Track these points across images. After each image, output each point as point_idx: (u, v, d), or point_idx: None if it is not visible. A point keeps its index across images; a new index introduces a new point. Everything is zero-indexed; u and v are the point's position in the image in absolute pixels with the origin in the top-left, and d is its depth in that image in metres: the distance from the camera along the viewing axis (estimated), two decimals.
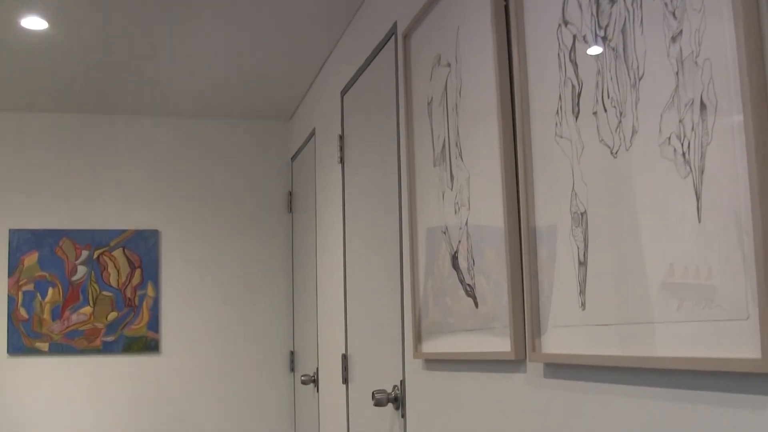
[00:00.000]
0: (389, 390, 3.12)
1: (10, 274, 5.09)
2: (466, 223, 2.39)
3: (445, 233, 2.56)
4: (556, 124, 1.90)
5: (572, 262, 1.81)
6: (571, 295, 1.81)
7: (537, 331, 1.96)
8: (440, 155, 2.63)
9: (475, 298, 2.33)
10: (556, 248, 1.88)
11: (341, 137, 4.03)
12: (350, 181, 3.88)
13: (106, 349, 5.14)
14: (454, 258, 2.48)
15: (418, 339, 2.81)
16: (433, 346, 2.67)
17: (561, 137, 1.87)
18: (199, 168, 5.45)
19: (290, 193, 5.49)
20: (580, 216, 1.78)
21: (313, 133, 4.75)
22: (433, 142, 2.70)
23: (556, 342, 1.88)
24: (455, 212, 2.48)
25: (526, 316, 2.03)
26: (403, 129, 3.01)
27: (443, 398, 2.63)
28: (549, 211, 1.92)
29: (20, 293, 5.08)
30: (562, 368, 1.88)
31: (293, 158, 5.42)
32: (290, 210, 5.48)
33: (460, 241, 2.44)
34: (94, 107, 5.23)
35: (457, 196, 2.46)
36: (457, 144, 2.48)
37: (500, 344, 2.16)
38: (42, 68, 4.54)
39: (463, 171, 2.42)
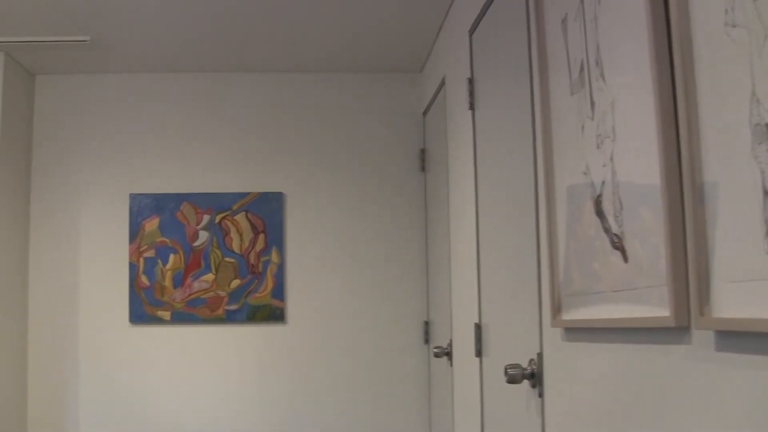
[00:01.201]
0: (525, 364, 2.68)
1: (131, 240, 4.89)
2: (611, 159, 1.92)
3: (586, 174, 2.10)
4: (726, 11, 1.41)
5: (754, 191, 1.33)
6: (754, 237, 1.33)
7: (705, 289, 1.48)
8: (578, 80, 2.16)
9: (623, 251, 1.86)
10: (730, 174, 1.40)
11: (470, 81, 3.60)
12: (482, 129, 3.45)
13: (230, 318, 4.89)
14: (598, 203, 2.01)
15: (557, 307, 2.36)
16: (575, 313, 2.21)
17: (734, 26, 1.38)
18: (326, 126, 5.11)
19: (422, 151, 5.09)
20: (765, 128, 1.30)
21: (443, 82, 4.34)
22: (569, 66, 2.23)
23: (732, 302, 1.40)
24: (598, 146, 2.01)
25: (690, 268, 1.55)
26: (536, 57, 2.55)
27: (587, 375, 2.17)
28: (718, 126, 1.44)
29: (141, 260, 4.88)
30: (741, 337, 1.40)
31: (425, 113, 5.02)
32: (423, 168, 5.08)
33: (604, 182, 1.97)
34: (215, 65, 4.97)
35: (600, 126, 1.99)
36: (597, 62, 2.01)
37: (656, 308, 1.69)
38: (163, 25, 4.29)
39: (606, 94, 1.95)
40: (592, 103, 2.04)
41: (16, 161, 4.80)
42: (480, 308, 3.45)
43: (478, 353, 3.46)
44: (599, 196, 2.00)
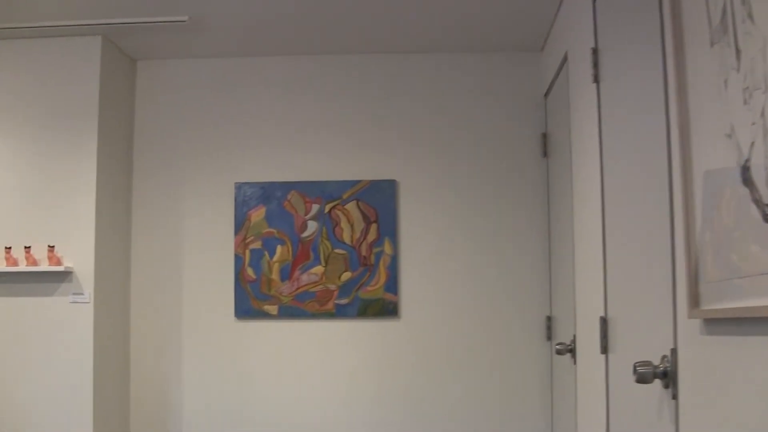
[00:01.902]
0: (656, 362, 2.36)
1: (237, 231, 4.73)
2: (762, 115, 1.60)
3: (730, 136, 1.77)
4: None
5: None
6: None
7: None
8: (720, 27, 1.83)
9: None
10: None
11: (595, 51, 3.28)
12: (607, 103, 3.13)
13: (340, 313, 4.68)
14: (745, 169, 1.69)
15: (695, 296, 2.03)
16: (718, 302, 1.89)
17: None
18: (441, 110, 4.85)
19: (544, 135, 4.77)
20: None
21: (565, 58, 4.02)
22: (708, 12, 1.91)
23: None
24: (745, 101, 1.68)
25: None
26: (668, 7, 2.23)
27: (733, 373, 1.84)
28: None
29: (247, 252, 4.71)
30: None
31: (546, 94, 4.70)
32: (545, 154, 4.77)
33: (753, 143, 1.64)
34: (323, 47, 4.77)
35: (747, 78, 1.67)
36: (744, 0, 1.69)
37: None
38: (265, 4, 4.11)
39: (755, 38, 1.63)
40: (738, 51, 1.72)
41: (117, 149, 4.70)
42: (606, 301, 3.14)
43: (604, 350, 3.15)
44: (747, 161, 1.68)
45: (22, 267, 4.34)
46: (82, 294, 4.37)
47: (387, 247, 4.71)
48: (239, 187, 4.77)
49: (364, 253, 4.70)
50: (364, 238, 4.71)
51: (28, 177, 4.46)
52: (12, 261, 4.35)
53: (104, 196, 4.51)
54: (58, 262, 4.35)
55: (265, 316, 4.71)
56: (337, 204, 4.73)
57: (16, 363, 4.37)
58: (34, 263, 4.36)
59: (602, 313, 3.17)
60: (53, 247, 4.33)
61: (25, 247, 4.34)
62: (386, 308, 4.69)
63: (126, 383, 4.74)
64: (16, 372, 4.37)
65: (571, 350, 3.88)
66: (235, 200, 4.76)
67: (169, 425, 4.73)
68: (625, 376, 2.81)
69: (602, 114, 3.21)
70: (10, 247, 4.36)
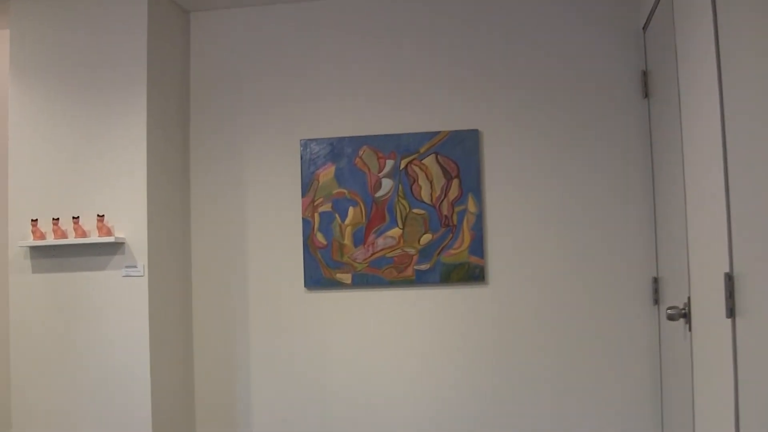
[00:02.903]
0: None
1: (304, 193, 4.39)
2: None
3: None
4: None
5: None
6: None
7: None
8: None
9: None
10: None
11: None
12: (727, 21, 2.62)
13: (420, 279, 4.34)
14: None
15: None
16: None
17: None
18: (526, 49, 4.43)
19: (644, 73, 4.29)
20: None
21: None
22: None
23: None
24: None
25: None
26: None
27: None
28: None
29: (316, 215, 4.37)
30: None
31: (645, 27, 4.21)
32: (645, 94, 4.28)
33: None
34: None
35: None
36: None
37: None
38: None
39: None
40: None
41: (171, 108, 4.39)
42: (731, 254, 2.65)
43: (731, 313, 2.68)
44: None
45: (71, 239, 4.03)
46: (135, 267, 4.04)
47: (471, 205, 4.32)
48: (305, 144, 4.44)
49: (445, 212, 4.34)
50: (445, 196, 4.33)
51: (72, 141, 4.16)
52: (60, 233, 4.05)
53: (157, 159, 4.18)
54: (109, 233, 4.03)
55: (338, 285, 4.38)
56: (414, 159, 4.37)
57: (67, 341, 4.11)
58: (84, 234, 4.05)
59: (727, 269, 2.69)
60: (102, 216, 4.01)
61: (74, 218, 4.03)
62: (472, 273, 4.30)
63: (189, 361, 4.44)
64: (69, 351, 4.12)
65: (685, 315, 3.41)
66: (302, 159, 4.45)
67: (238, 405, 4.44)
68: (760, 344, 2.33)
69: (720, 35, 2.71)
70: (57, 218, 4.06)
